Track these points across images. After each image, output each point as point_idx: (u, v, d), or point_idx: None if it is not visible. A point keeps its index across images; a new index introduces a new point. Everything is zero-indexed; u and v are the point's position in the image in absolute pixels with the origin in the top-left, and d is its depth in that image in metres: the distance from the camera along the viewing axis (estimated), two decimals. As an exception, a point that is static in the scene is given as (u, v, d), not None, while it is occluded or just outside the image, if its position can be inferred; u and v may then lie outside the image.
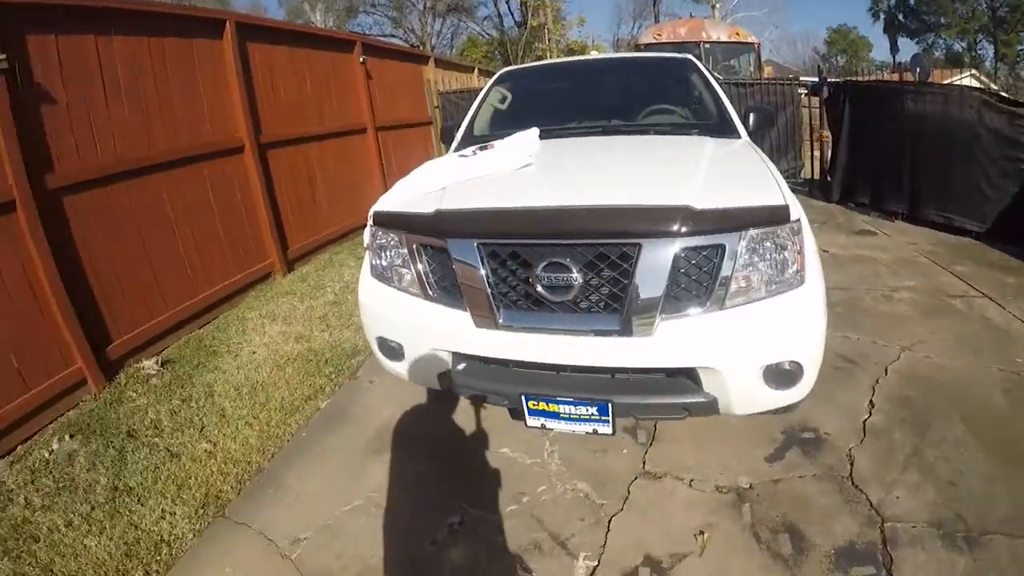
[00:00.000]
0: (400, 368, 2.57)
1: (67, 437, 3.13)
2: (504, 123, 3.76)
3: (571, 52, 27.38)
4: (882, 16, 48.27)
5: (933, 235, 5.93)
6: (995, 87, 16.49)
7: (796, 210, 2.19)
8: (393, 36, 33.96)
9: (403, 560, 2.27)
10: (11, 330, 3.23)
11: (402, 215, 2.45)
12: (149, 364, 3.76)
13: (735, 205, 2.14)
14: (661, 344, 2.07)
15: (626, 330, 2.06)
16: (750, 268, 2.09)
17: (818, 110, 8.00)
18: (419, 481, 2.71)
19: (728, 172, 2.59)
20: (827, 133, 7.69)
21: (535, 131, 3.21)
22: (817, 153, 8.25)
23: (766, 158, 2.82)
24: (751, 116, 3.44)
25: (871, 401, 3.00)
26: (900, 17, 47.10)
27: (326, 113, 6.56)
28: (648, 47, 11.86)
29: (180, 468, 2.87)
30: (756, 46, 12.45)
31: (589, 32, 49.02)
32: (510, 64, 28.78)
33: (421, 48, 30.54)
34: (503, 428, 2.97)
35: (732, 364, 2.10)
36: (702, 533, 2.24)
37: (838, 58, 49.23)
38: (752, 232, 2.07)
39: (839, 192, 7.48)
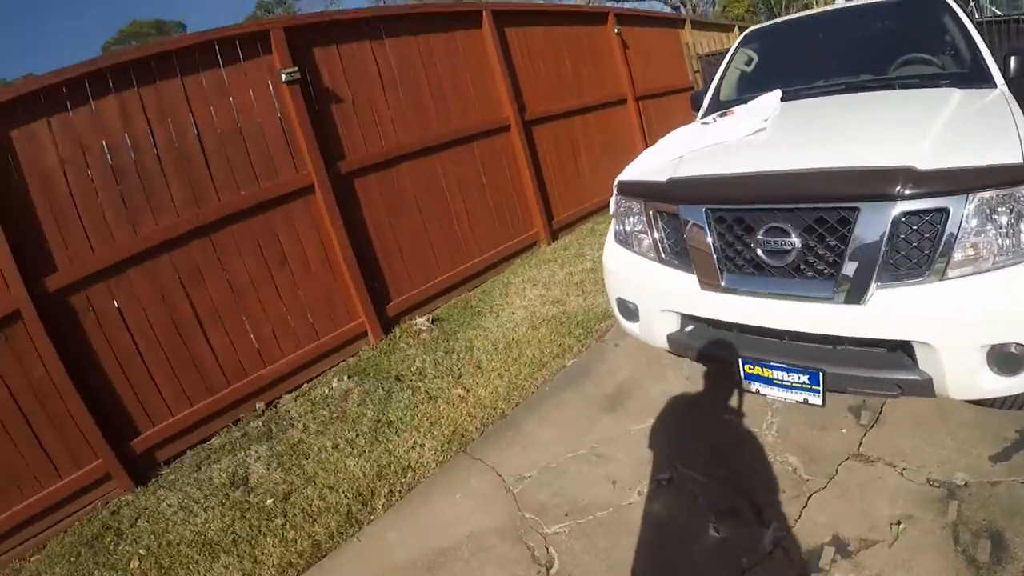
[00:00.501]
0: (635, 328, 2.68)
1: (345, 378, 3.61)
2: (749, 86, 3.73)
3: None
4: None
5: None
6: None
7: None
8: None
9: (608, 505, 2.35)
10: (307, 291, 3.83)
11: (641, 183, 2.59)
12: (421, 321, 4.18)
13: (964, 165, 1.95)
14: (874, 314, 1.98)
15: (838, 297, 2.01)
16: (978, 235, 1.93)
17: None
18: (641, 437, 2.73)
19: (968, 128, 2.33)
20: None
21: (777, 93, 3.18)
22: None
23: (1017, 110, 2.48)
24: (1013, 60, 2.98)
25: None
26: None
27: (586, 87, 6.56)
28: None
29: (435, 408, 3.14)
30: None
31: None
32: (775, 17, 26.24)
33: (682, 7, 29.56)
34: (728, 396, 2.91)
35: (948, 340, 1.93)
36: (898, 523, 2.09)
37: None
38: (982, 195, 1.90)
39: None
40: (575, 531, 2.25)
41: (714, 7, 31.76)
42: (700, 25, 10.04)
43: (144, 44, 4.26)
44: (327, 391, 3.51)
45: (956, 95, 2.72)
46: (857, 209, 1.97)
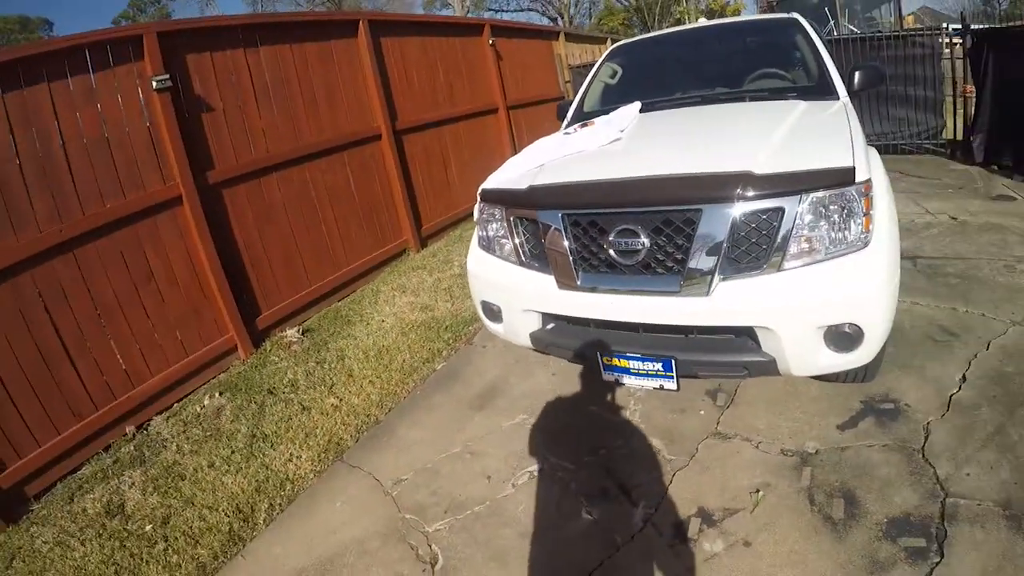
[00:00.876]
0: (500, 329, 2.82)
1: (217, 395, 3.60)
2: (612, 98, 3.88)
3: (711, 13, 26.09)
4: None
5: None
6: None
7: (865, 171, 2.15)
8: (531, 10, 33.86)
9: (484, 500, 2.50)
10: (175, 308, 3.76)
11: (502, 191, 2.72)
12: (291, 333, 4.20)
13: (798, 169, 2.15)
14: (718, 304, 2.15)
15: (684, 290, 2.18)
16: (810, 230, 2.12)
17: (961, 62, 7.09)
18: (510, 433, 2.90)
19: (807, 135, 2.58)
20: (971, 87, 6.84)
21: (636, 105, 3.38)
22: (961, 111, 7.31)
23: (854, 119, 2.74)
24: (856, 75, 3.32)
25: (964, 376, 2.83)
26: None
27: (458, 96, 6.80)
28: (781, 2, 11.10)
29: (309, 419, 3.21)
30: None
31: None
32: (648, 30, 27.73)
33: (559, 18, 30.38)
34: (593, 388, 3.10)
35: (787, 324, 2.12)
36: (757, 491, 2.29)
37: (1000, 1, 42.00)
38: (814, 195, 2.10)
39: (981, 153, 6.63)
40: (455, 526, 2.38)
41: (590, 20, 32.81)
42: (574, 37, 10.56)
43: (11, 47, 3.94)
44: (199, 409, 3.48)
45: (801, 106, 2.97)
46: (700, 210, 2.14)
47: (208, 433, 3.25)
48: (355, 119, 5.27)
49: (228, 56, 4.22)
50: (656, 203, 2.23)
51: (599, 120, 3.31)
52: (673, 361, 2.26)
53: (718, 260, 2.14)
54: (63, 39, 3.46)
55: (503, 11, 34.22)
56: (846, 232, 2.14)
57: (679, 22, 27.19)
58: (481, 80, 7.27)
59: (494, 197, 2.75)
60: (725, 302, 2.15)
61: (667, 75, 4.14)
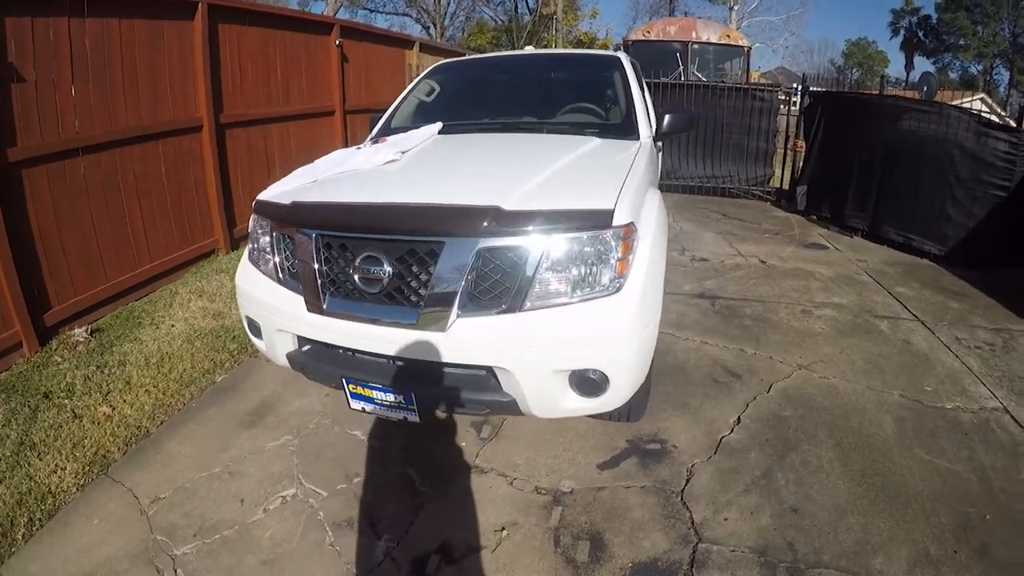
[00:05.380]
0: (261, 345, 2.82)
1: None
2: (424, 116, 3.89)
3: (579, 44, 26.89)
4: (902, 32, 48.65)
5: (890, 254, 5.92)
6: (1004, 113, 15.99)
7: (627, 215, 2.17)
8: (406, 14, 33.65)
9: (234, 523, 2.52)
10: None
11: (271, 204, 2.64)
12: (79, 332, 4.12)
13: (549, 207, 2.15)
14: (455, 341, 2.14)
15: (422, 324, 2.16)
16: (557, 271, 2.11)
17: (796, 119, 7.99)
18: (273, 454, 2.97)
19: (579, 173, 2.59)
20: (801, 143, 7.68)
21: (436, 126, 3.46)
22: (790, 163, 8.27)
23: (643, 161, 2.84)
24: (666, 118, 3.45)
25: (739, 418, 2.98)
26: (920, 35, 47.63)
27: (294, 94, 6.74)
28: (636, 44, 11.87)
29: (80, 428, 3.21)
30: (746, 50, 12.40)
31: (602, 24, 47.52)
32: (514, 48, 27.97)
33: (432, 27, 30.28)
34: (361, 414, 3.04)
35: (524, 366, 2.12)
36: (502, 530, 2.33)
37: (853, 71, 48.12)
38: (564, 235, 2.10)
39: (804, 203, 7.48)
40: (202, 551, 2.37)
41: (463, 33, 32.49)
42: (430, 48, 10.66)
43: None
44: None
45: (594, 144, 3.00)
46: (443, 243, 2.11)
47: None
48: (177, 107, 5.14)
49: (50, 23, 3.99)
50: (400, 231, 2.20)
51: (392, 137, 3.34)
52: (413, 395, 2.25)
53: (458, 295, 2.11)
54: None
55: (377, 11, 33.56)
56: (597, 276, 2.12)
57: (546, 45, 27.52)
58: (321, 80, 7.25)
59: (263, 210, 2.67)
60: (463, 339, 2.12)
61: (481, 99, 4.21)
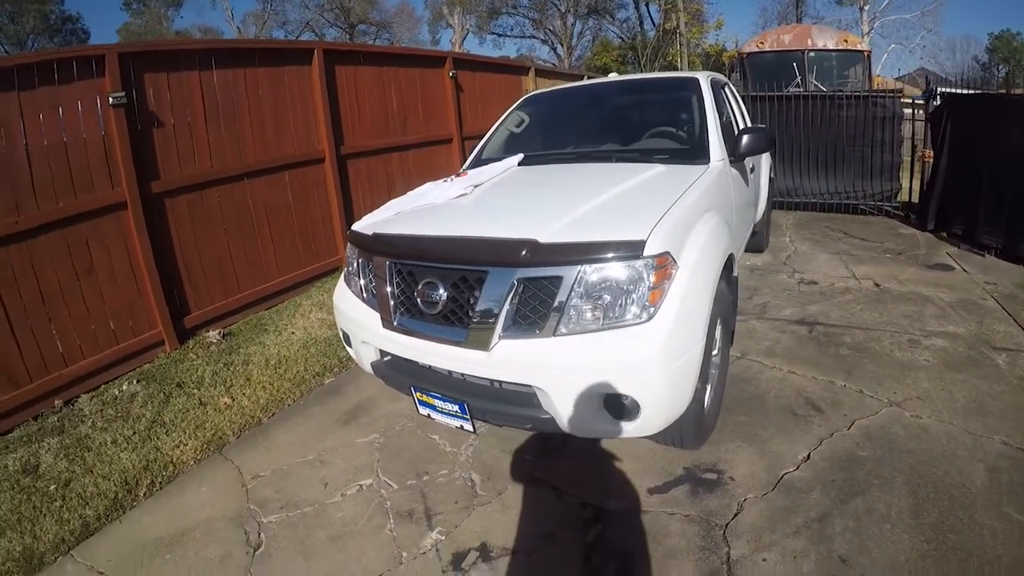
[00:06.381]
0: (352, 353, 3.13)
1: (135, 382, 4.16)
2: (513, 147, 4.11)
3: (707, 57, 26.13)
4: None
5: None
6: None
7: (662, 245, 2.23)
8: (534, 37, 34.71)
9: (315, 502, 2.86)
10: (112, 300, 4.31)
11: (359, 234, 2.96)
12: (213, 334, 4.77)
13: (582, 240, 2.26)
14: (497, 359, 2.29)
15: (470, 342, 2.34)
16: (588, 299, 2.21)
17: (922, 126, 7.28)
18: (360, 448, 3.27)
19: (626, 203, 2.67)
20: (930, 152, 6.96)
21: (517, 158, 3.68)
22: (919, 175, 7.50)
23: (705, 187, 2.91)
24: (743, 139, 3.46)
25: (808, 455, 2.78)
26: None
27: (411, 124, 7.21)
28: (750, 56, 11.37)
29: (203, 414, 3.72)
30: (865, 54, 11.56)
31: (730, 34, 45.58)
32: (641, 69, 27.31)
33: (559, 47, 30.96)
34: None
35: (557, 387, 2.22)
36: (544, 537, 2.44)
37: (999, 67, 41.92)
38: (595, 265, 2.20)
39: (933, 220, 6.79)
40: (284, 522, 2.71)
41: (589, 52, 32.91)
42: (546, 73, 10.91)
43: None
44: (118, 392, 4.01)
45: (655, 171, 3.09)
46: (487, 272, 2.30)
47: (119, 414, 3.77)
48: (300, 141, 5.75)
49: (183, 77, 4.72)
50: (452, 261, 2.43)
51: (473, 171, 3.58)
52: (467, 405, 2.42)
53: (500, 319, 2.27)
54: (34, 54, 4.02)
55: (505, 36, 35.20)
56: (628, 304, 2.19)
57: (670, 63, 27.30)
58: (438, 110, 7.68)
59: (353, 238, 3.01)
60: (504, 359, 2.27)
61: (562, 129, 4.34)
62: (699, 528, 2.39)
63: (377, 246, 2.78)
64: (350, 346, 3.12)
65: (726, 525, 2.38)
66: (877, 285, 5.02)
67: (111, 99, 4.17)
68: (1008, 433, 2.88)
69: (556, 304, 2.22)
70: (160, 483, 3.14)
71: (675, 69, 24.07)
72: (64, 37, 36.67)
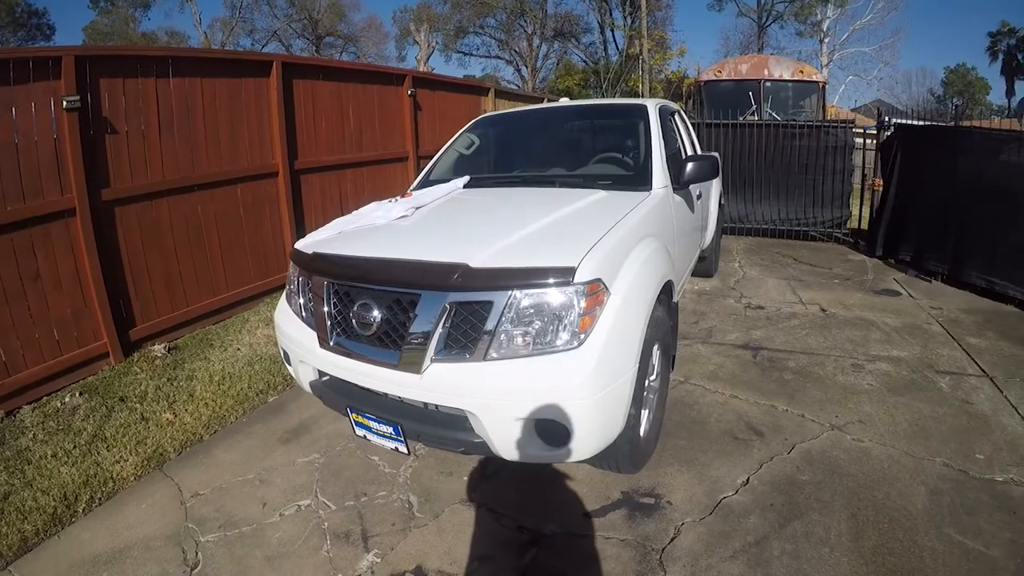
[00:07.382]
0: (292, 372, 3.14)
1: (78, 394, 4.12)
2: (461, 169, 4.13)
3: (668, 83, 26.48)
4: (1000, 55, 44.07)
5: (970, 301, 5.38)
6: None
7: (593, 271, 2.26)
8: (499, 58, 35.11)
9: (253, 522, 2.85)
10: (57, 309, 4.24)
11: (300, 252, 2.97)
12: (158, 348, 4.73)
13: (512, 265, 2.30)
14: (429, 383, 2.32)
15: (402, 365, 2.36)
16: (518, 325, 2.23)
17: (873, 155, 7.54)
18: (300, 468, 3.28)
19: (561, 230, 2.71)
20: (880, 181, 7.19)
21: (463, 180, 3.72)
22: (868, 203, 7.78)
23: (643, 213, 2.96)
24: (688, 166, 3.49)
25: (748, 479, 2.81)
26: (1020, 57, 43.13)
27: (367, 141, 7.19)
28: (708, 84, 11.67)
29: (145, 429, 3.70)
30: (820, 85, 12.00)
31: (692, 61, 46.67)
32: (603, 93, 27.55)
33: (522, 69, 31.36)
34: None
35: (488, 412, 2.25)
36: (476, 561, 2.44)
37: (954, 100, 43.96)
38: (525, 292, 2.23)
39: (882, 246, 7.04)
40: (222, 541, 2.70)
41: (553, 75, 33.29)
42: (507, 95, 10.95)
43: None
44: (60, 405, 3.97)
45: (596, 197, 3.13)
46: (419, 295, 2.33)
47: (60, 427, 3.72)
48: (255, 155, 5.74)
49: (139, 83, 4.69)
50: (386, 283, 2.46)
51: (417, 192, 3.61)
52: (400, 427, 2.45)
53: (432, 342, 2.29)
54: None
55: (471, 55, 35.55)
56: (559, 330, 2.21)
57: (632, 90, 27.64)
58: (395, 128, 7.71)
59: (295, 257, 3.02)
60: (436, 382, 2.29)
61: (511, 153, 4.39)
62: (635, 552, 2.41)
63: (316, 265, 2.79)
64: (290, 364, 3.12)
65: (663, 549, 2.40)
66: (824, 310, 5.13)
67: (65, 102, 4.11)
68: (950, 455, 2.97)
69: (487, 328, 2.24)
70: (100, 499, 3.11)
71: (637, 95, 24.32)
72: (28, 32, 36.01)
